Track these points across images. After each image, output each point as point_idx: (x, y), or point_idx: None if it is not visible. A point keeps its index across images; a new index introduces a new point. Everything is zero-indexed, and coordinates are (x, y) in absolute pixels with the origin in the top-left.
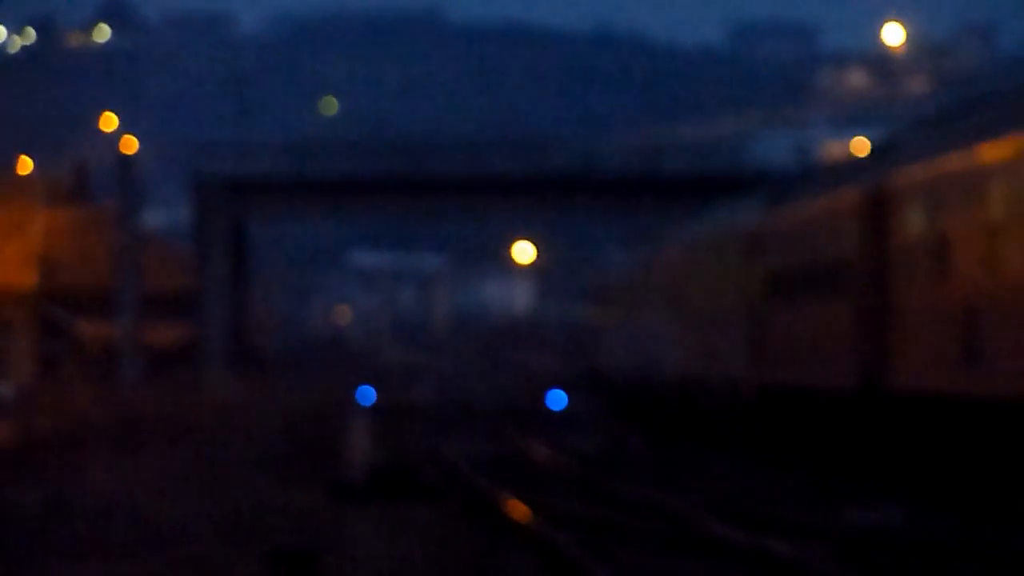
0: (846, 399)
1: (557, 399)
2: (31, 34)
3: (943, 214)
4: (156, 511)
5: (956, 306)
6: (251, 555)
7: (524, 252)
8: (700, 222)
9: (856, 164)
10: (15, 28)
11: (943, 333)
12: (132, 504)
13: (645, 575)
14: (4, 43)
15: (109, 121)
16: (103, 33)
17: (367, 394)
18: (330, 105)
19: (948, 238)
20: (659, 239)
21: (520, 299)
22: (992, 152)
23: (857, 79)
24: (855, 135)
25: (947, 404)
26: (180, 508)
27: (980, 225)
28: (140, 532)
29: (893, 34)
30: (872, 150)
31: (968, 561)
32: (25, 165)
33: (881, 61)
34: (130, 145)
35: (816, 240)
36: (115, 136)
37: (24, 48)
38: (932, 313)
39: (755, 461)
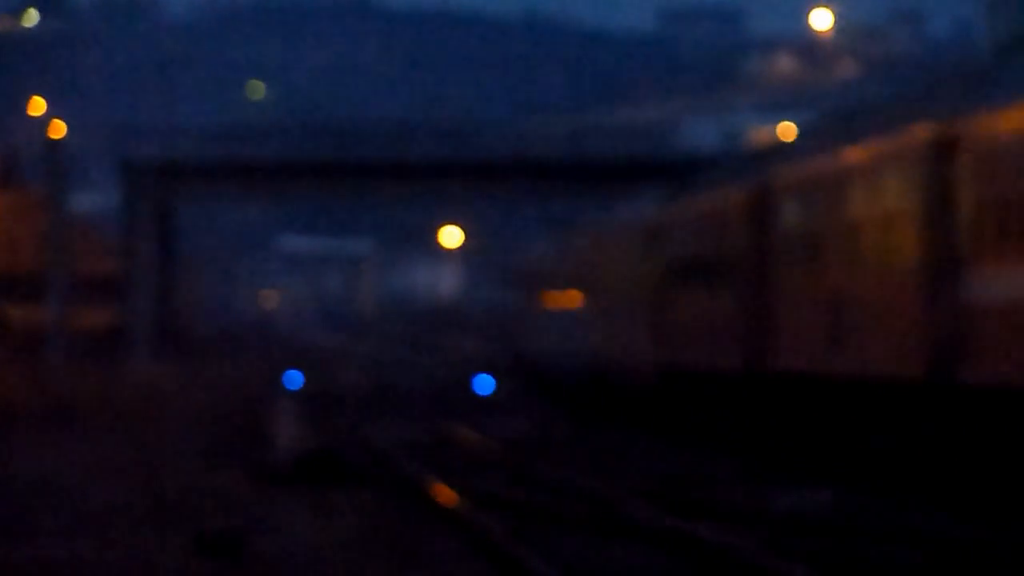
0: (733, 379)
1: (484, 383)
2: None
3: (814, 211)
4: (85, 493)
5: (825, 295)
6: (179, 537)
7: (452, 236)
8: (610, 212)
9: (745, 162)
10: None
11: (814, 320)
12: (61, 486)
13: (572, 559)
14: None
15: (37, 105)
16: (32, 18)
17: (294, 378)
18: (257, 89)
19: (818, 233)
20: (576, 227)
21: (447, 283)
22: (852, 156)
23: (785, 64)
24: (782, 120)
25: (818, 383)
26: (109, 490)
27: (843, 222)
28: (69, 514)
29: (821, 19)
30: (759, 149)
31: (888, 542)
32: None
33: (809, 46)
34: (58, 129)
35: (707, 233)
36: (43, 120)
37: None
38: (805, 301)
39: (680, 444)
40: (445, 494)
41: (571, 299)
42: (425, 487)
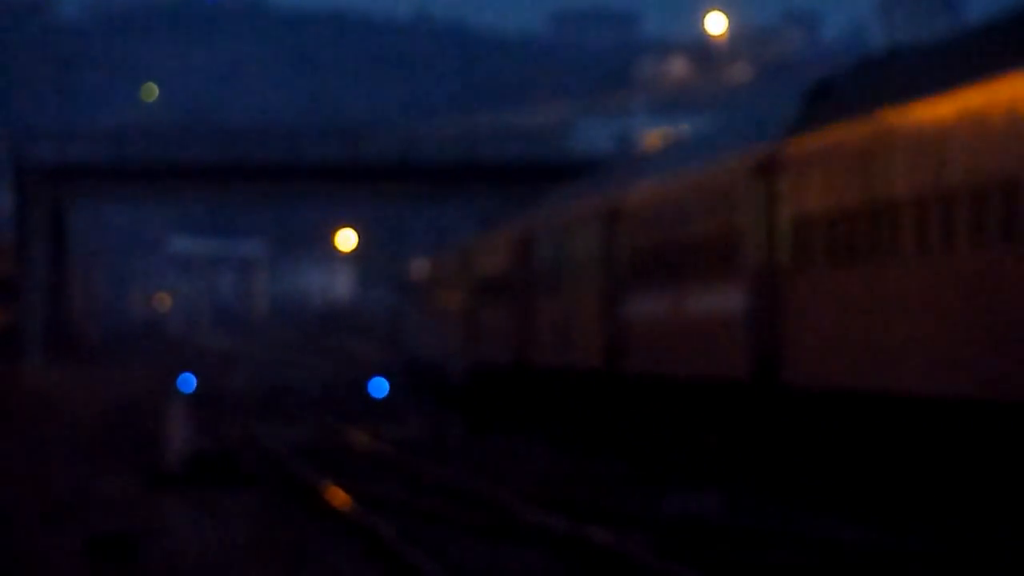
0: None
1: (378, 386)
2: None
3: (554, 250)
4: None
5: (559, 312)
6: (71, 540)
7: (346, 239)
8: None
9: (592, 184)
10: None
11: (555, 329)
12: None
13: (463, 563)
14: None
15: None
16: None
17: (187, 381)
18: (150, 92)
19: (557, 266)
20: (448, 242)
21: (341, 286)
22: (572, 212)
23: (679, 67)
24: (677, 122)
25: (554, 373)
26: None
27: (569, 260)
28: None
29: (715, 23)
30: (608, 172)
31: (776, 546)
32: None
33: (703, 49)
34: None
35: (496, 260)
36: None
37: None
38: (550, 316)
39: (573, 448)
40: (337, 497)
41: (441, 307)
42: (317, 490)
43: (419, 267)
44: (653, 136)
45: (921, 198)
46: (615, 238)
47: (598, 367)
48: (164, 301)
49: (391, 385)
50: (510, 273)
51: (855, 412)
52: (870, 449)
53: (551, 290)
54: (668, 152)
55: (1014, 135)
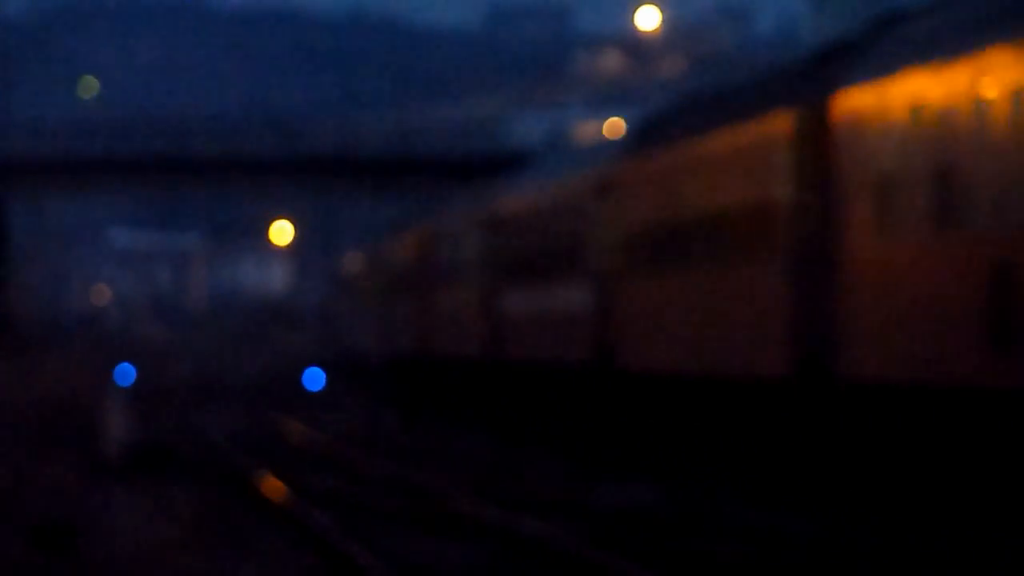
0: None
1: (314, 378)
2: None
3: (451, 251)
4: None
5: (451, 306)
6: (10, 528)
7: (282, 232)
8: (435, 211)
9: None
10: None
11: (449, 321)
12: None
13: (398, 552)
14: None
15: None
16: None
17: (126, 372)
18: (90, 86)
19: (453, 267)
20: (403, 225)
21: (278, 279)
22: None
23: (611, 61)
24: (610, 116)
25: (448, 361)
26: None
27: (454, 263)
28: None
29: (647, 17)
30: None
31: (708, 535)
32: None
33: (635, 43)
34: None
35: (401, 259)
36: None
37: None
38: (446, 309)
39: (507, 439)
40: (274, 488)
41: (365, 300)
42: (255, 481)
43: (349, 261)
44: (588, 128)
45: (681, 223)
46: (493, 242)
47: (478, 355)
48: (103, 293)
49: (326, 376)
50: (415, 270)
51: (663, 390)
52: (677, 419)
53: (446, 286)
54: (538, 166)
55: (706, 178)
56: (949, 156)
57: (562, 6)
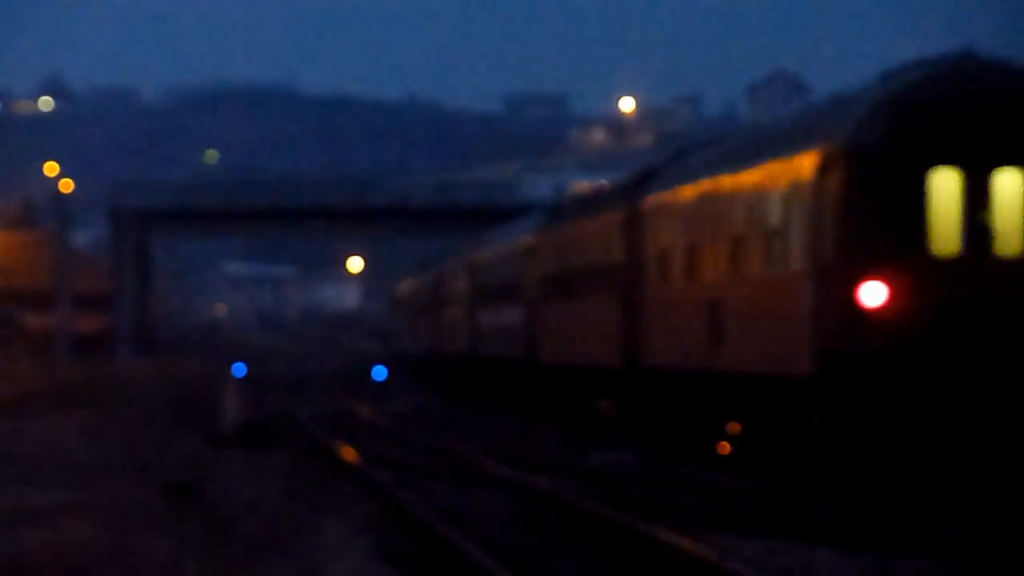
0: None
1: (379, 372)
2: None
3: (480, 278)
4: (80, 453)
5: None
6: (151, 486)
7: (355, 264)
8: (446, 255)
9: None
10: None
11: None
12: (63, 448)
13: (441, 502)
14: None
15: (52, 168)
16: (48, 104)
17: (239, 368)
18: (212, 156)
19: (480, 289)
20: (429, 264)
21: (350, 299)
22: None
23: (598, 136)
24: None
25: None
26: (98, 451)
27: (489, 283)
28: (68, 469)
29: (626, 103)
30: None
31: (676, 490)
32: None
33: (616, 122)
34: (67, 185)
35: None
36: (55, 179)
37: None
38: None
39: (523, 418)
40: (348, 454)
41: (409, 315)
42: (333, 449)
43: (399, 287)
44: (581, 187)
45: (568, 272)
46: (471, 279)
47: (465, 352)
48: (221, 310)
49: (389, 371)
50: (434, 295)
51: (563, 374)
52: (572, 394)
53: (447, 306)
54: (498, 229)
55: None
56: (691, 239)
57: (561, 94)
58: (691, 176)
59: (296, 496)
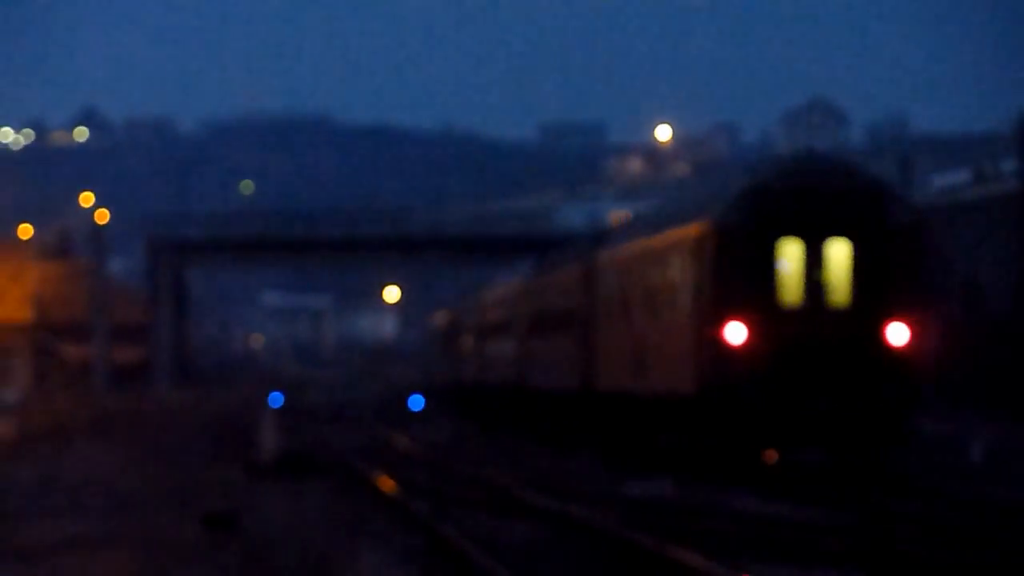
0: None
1: (416, 402)
2: (31, 134)
3: (490, 317)
4: (118, 484)
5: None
6: (189, 515)
7: (392, 294)
8: (483, 287)
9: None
10: (17, 129)
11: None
12: (101, 479)
13: (478, 531)
14: (9, 141)
15: (88, 199)
16: (83, 134)
17: (276, 398)
18: (248, 187)
19: (496, 326)
20: (465, 295)
21: (387, 328)
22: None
23: (635, 164)
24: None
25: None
26: (136, 481)
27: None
28: (106, 499)
29: (663, 132)
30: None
31: (713, 518)
32: (26, 231)
33: (653, 151)
34: (103, 216)
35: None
36: (91, 209)
37: (25, 145)
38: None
39: (561, 449)
40: (386, 483)
41: (465, 341)
42: (371, 478)
43: (437, 317)
44: (617, 216)
45: (545, 313)
46: (479, 316)
47: (508, 382)
48: (257, 340)
49: (426, 400)
50: (455, 328)
51: (542, 397)
52: (548, 412)
53: (469, 337)
54: (498, 280)
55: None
56: (625, 290)
57: (598, 123)
58: (625, 239)
59: (334, 526)
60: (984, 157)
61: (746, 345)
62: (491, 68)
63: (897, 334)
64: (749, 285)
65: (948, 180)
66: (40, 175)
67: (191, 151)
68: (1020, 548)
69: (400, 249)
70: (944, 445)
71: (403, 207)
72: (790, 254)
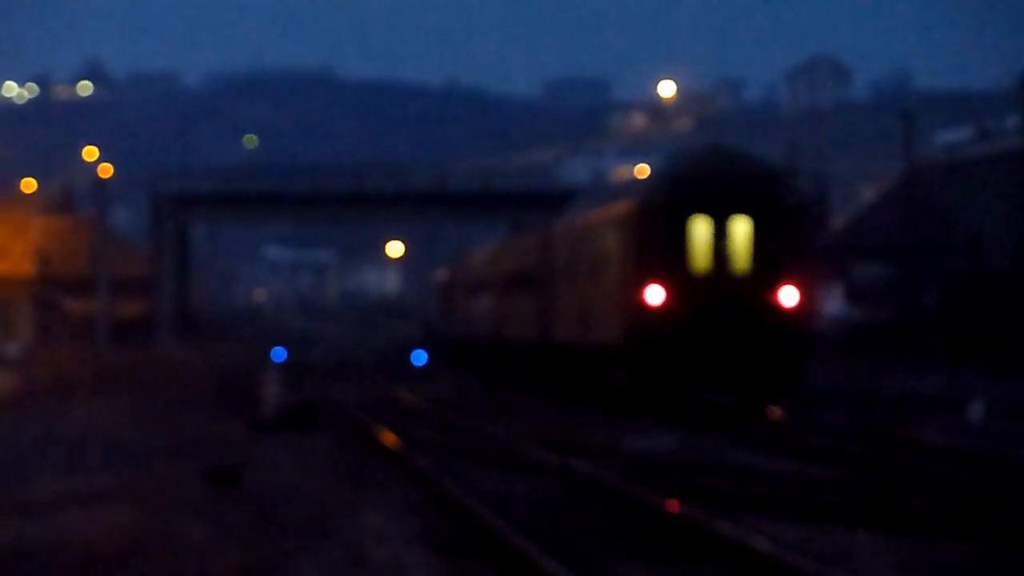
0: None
1: (419, 356)
2: (34, 88)
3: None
4: (121, 438)
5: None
6: (192, 469)
7: (395, 249)
8: (479, 246)
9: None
10: (21, 83)
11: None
12: (103, 433)
13: (481, 486)
14: (13, 95)
15: (91, 153)
16: (87, 88)
17: (279, 353)
18: (251, 141)
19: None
20: (461, 254)
21: (391, 283)
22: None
23: (639, 121)
24: (638, 162)
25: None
26: (139, 436)
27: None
28: (108, 453)
29: (666, 88)
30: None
31: (716, 474)
32: (29, 185)
33: (656, 107)
34: (106, 170)
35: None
36: (94, 163)
37: (29, 99)
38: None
39: (560, 401)
40: (389, 438)
41: (456, 298)
42: (374, 433)
43: (437, 274)
44: (621, 172)
45: (512, 273)
46: (465, 275)
47: (488, 336)
48: (260, 295)
49: (428, 355)
50: (451, 286)
51: (512, 348)
52: (512, 360)
53: (461, 295)
54: (481, 250)
55: (531, 250)
56: (574, 256)
57: (601, 80)
58: (575, 211)
59: (337, 481)
60: (987, 114)
61: (664, 305)
62: (496, 23)
63: (788, 296)
64: (666, 255)
65: (951, 136)
66: (44, 130)
67: (195, 105)
68: None
69: (404, 204)
70: (946, 403)
71: (407, 162)
72: (700, 229)
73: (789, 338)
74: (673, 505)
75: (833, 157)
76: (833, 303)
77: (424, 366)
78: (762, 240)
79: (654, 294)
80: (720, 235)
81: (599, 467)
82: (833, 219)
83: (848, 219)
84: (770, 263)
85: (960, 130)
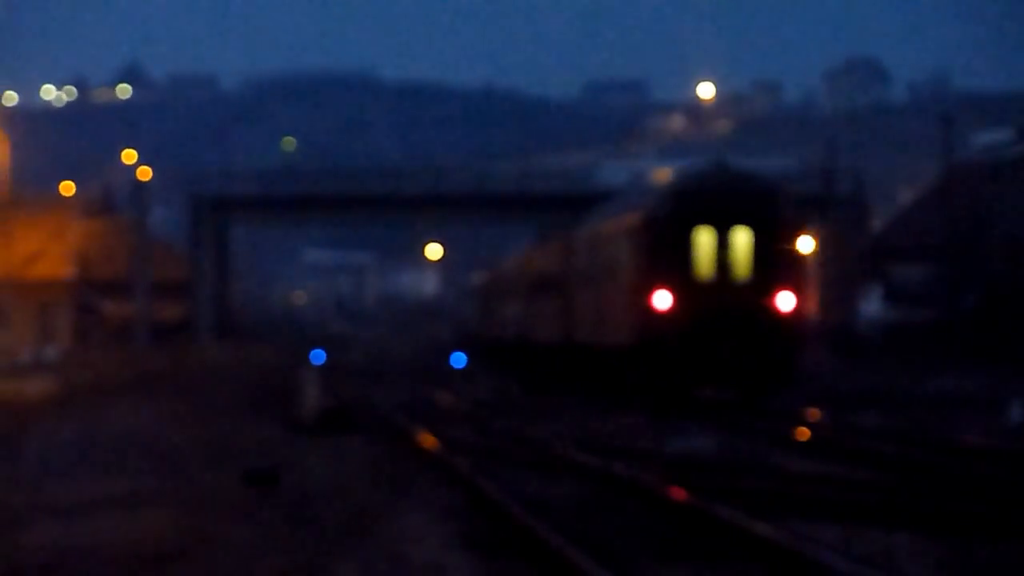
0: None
1: (458, 359)
2: (72, 91)
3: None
4: (160, 440)
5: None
6: (231, 472)
7: (434, 251)
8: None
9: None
10: (59, 86)
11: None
12: (141, 436)
13: (520, 488)
14: (52, 99)
15: (130, 156)
16: (126, 91)
17: (318, 355)
18: (290, 144)
19: (506, 287)
20: (493, 262)
21: (429, 286)
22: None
23: (677, 122)
24: (676, 164)
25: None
26: (178, 438)
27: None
28: (147, 456)
29: (705, 89)
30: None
31: (756, 476)
32: (68, 188)
33: (695, 109)
34: (145, 173)
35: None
36: (133, 166)
37: (67, 102)
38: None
39: (596, 403)
40: (427, 440)
41: (502, 299)
42: (413, 435)
43: (475, 277)
44: (660, 174)
45: (541, 279)
46: (496, 279)
47: (518, 338)
48: (300, 297)
49: (467, 357)
50: (487, 290)
51: (542, 350)
52: (540, 361)
53: (496, 298)
54: (508, 260)
55: (555, 258)
56: (592, 262)
57: (642, 80)
58: (594, 220)
59: (376, 483)
60: None
61: (670, 309)
62: (535, 25)
63: (785, 302)
64: (673, 263)
65: (990, 138)
66: (83, 132)
67: (234, 108)
68: None
69: (442, 206)
70: (986, 404)
71: (446, 164)
72: (703, 239)
73: (785, 339)
74: (712, 506)
75: (871, 158)
76: (871, 304)
77: (463, 368)
78: (761, 249)
79: (662, 299)
80: (722, 245)
81: (639, 469)
82: (872, 221)
83: (887, 220)
84: (768, 271)
85: (999, 131)
